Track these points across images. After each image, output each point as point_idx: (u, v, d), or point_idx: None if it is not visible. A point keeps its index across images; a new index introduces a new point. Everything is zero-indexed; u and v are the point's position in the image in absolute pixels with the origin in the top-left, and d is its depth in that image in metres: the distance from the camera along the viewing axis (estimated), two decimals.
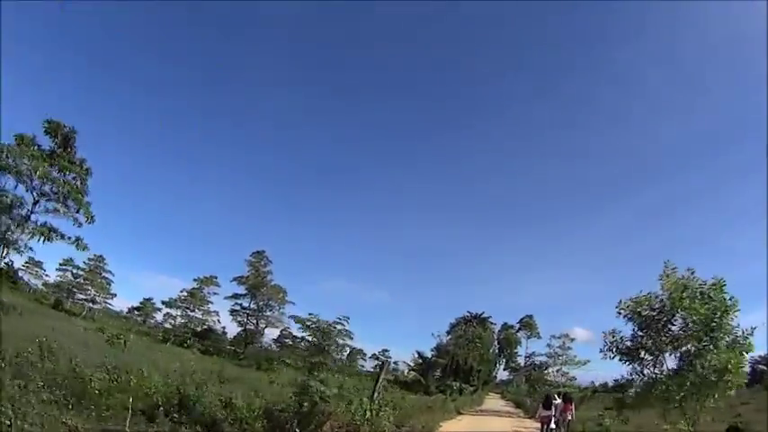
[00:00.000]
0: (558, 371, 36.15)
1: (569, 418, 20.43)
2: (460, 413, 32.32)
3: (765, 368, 71.46)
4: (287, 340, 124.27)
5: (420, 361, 45.62)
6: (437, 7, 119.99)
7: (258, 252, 75.35)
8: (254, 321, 73.06)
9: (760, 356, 76.53)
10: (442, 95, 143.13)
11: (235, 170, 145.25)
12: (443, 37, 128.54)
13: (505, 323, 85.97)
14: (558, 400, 20.22)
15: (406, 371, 52.48)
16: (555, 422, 19.33)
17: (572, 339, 36.13)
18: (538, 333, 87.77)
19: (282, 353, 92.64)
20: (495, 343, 78.59)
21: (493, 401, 54.07)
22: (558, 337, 36.43)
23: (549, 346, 36.59)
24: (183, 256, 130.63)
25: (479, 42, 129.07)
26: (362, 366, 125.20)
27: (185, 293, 74.20)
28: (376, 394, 14.05)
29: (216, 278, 74.53)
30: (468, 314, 58.44)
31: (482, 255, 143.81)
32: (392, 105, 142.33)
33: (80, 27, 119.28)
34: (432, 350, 48.48)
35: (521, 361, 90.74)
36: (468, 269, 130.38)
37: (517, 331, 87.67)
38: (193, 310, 74.17)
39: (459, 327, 56.02)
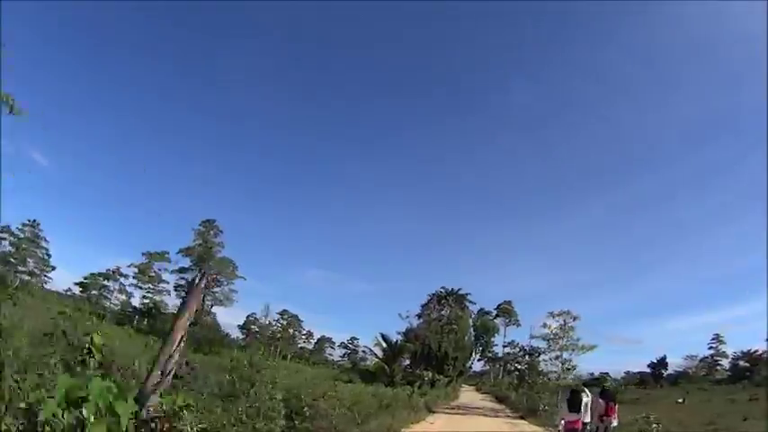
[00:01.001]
0: (556, 358, 28.27)
1: (614, 424, 12.66)
2: (433, 411, 24.38)
3: (747, 364, 67.16)
4: (254, 327, 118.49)
5: (384, 346, 37.59)
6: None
7: (208, 221, 66.28)
8: (201, 298, 64.02)
9: (742, 352, 72.76)
10: (419, 90, 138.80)
11: (213, 162, 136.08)
12: (420, 31, 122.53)
13: (482, 309, 78.42)
14: (588, 398, 12.75)
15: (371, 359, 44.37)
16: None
17: (575, 318, 28.29)
18: (517, 320, 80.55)
19: (247, 340, 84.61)
20: (471, 330, 71.07)
21: (469, 395, 46.49)
22: (558, 315, 28.56)
23: (545, 325, 28.65)
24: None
25: (452, 37, 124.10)
26: (330, 355, 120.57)
27: (134, 267, 65.58)
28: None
29: (167, 254, 65.55)
30: (443, 290, 50.60)
31: (460, 246, 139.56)
32: (370, 99, 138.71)
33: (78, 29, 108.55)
34: (398, 333, 40.47)
35: (498, 350, 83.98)
36: (446, 259, 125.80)
37: (494, 317, 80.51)
38: (142, 287, 66.19)
39: (432, 304, 48.47)
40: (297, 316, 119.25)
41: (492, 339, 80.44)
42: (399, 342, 38.47)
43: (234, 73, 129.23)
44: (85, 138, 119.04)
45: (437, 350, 40.54)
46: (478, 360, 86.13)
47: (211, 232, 66.15)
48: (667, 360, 75.64)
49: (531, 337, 33.25)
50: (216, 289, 64.94)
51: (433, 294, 50.04)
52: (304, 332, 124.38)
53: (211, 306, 65.86)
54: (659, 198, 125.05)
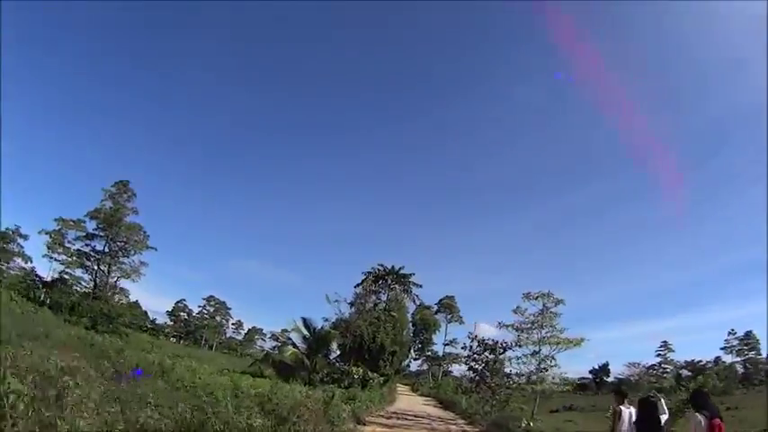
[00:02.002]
0: (533, 354, 21.16)
1: None
2: (363, 423, 16.48)
3: (691, 373, 65.25)
4: (182, 314, 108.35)
5: (305, 333, 29.32)
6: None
7: (121, 182, 55.16)
8: (106, 268, 53.10)
9: (685, 362, 71.14)
10: (365, 92, 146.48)
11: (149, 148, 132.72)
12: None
13: (421, 303, 71.29)
14: (666, 414, 8.28)
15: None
16: None
17: (558, 302, 21.29)
18: (460, 317, 74.24)
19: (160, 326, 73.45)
20: (410, 324, 63.51)
21: (408, 398, 39.01)
22: (536, 297, 21.49)
23: (517, 310, 21.49)
24: None
25: (385, 44, 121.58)
26: (261, 347, 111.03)
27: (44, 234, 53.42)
28: None
29: (83, 222, 53.80)
30: (381, 268, 41.82)
31: (402, 245, 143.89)
32: (317, 96, 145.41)
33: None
34: (325, 320, 32.27)
35: (438, 349, 77.00)
36: (384, 255, 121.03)
37: (435, 313, 73.80)
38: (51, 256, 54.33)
39: (368, 285, 40.40)
40: (224, 303, 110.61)
41: (432, 336, 74.03)
42: (324, 329, 30.38)
43: (178, 56, 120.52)
44: None
45: (371, 342, 32.74)
46: (415, 359, 79.06)
47: (124, 195, 55.23)
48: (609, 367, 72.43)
49: (464, 346, 26.43)
50: (123, 259, 54.14)
51: (369, 273, 41.35)
52: (233, 321, 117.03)
53: (117, 280, 55.02)
54: (591, 211, 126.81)
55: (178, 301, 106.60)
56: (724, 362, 64.83)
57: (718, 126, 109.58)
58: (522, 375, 22.40)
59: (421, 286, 43.31)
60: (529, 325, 21.62)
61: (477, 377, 25.06)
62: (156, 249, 56.62)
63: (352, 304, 38.56)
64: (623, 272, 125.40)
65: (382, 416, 21.01)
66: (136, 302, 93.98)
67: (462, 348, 27.25)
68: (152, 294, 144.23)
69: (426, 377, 74.04)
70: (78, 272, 53.91)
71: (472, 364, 25.57)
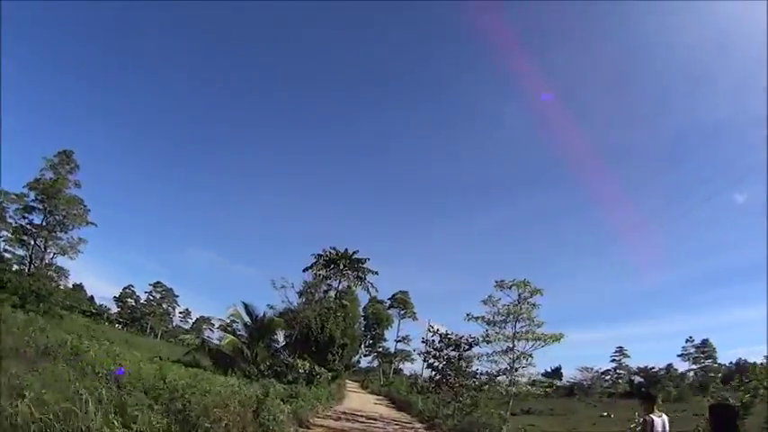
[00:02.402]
0: (505, 351, 18.41)
1: None
2: (307, 427, 13.39)
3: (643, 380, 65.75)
4: (129, 300, 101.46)
5: (247, 320, 25.68)
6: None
7: (64, 152, 49.23)
8: (42, 243, 47.52)
9: (638, 368, 71.55)
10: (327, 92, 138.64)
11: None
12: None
13: (374, 297, 68.10)
14: None
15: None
16: None
17: (534, 293, 18.79)
18: (414, 313, 71.65)
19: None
20: (361, 318, 60.23)
21: (359, 397, 36.27)
22: (510, 286, 18.95)
23: (488, 300, 18.87)
24: None
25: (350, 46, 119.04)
26: (210, 337, 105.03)
27: None
28: None
29: (26, 196, 47.42)
30: (333, 251, 36.86)
31: (359, 239, 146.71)
32: (270, 93, 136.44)
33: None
34: (270, 307, 28.54)
35: (389, 345, 74.15)
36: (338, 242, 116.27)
37: (388, 308, 70.98)
38: None
39: (317, 268, 35.59)
40: (172, 290, 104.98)
41: (384, 332, 71.09)
42: (267, 317, 26.85)
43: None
44: None
45: (319, 332, 29.41)
46: (366, 355, 75.91)
47: (67, 166, 49.44)
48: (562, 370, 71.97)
49: (424, 340, 23.79)
50: (61, 235, 48.57)
51: (320, 256, 37.03)
52: (181, 310, 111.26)
53: (53, 256, 49.41)
54: (550, 215, 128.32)
55: (126, 287, 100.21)
56: (676, 369, 65.97)
57: (679, 140, 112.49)
58: (493, 375, 19.72)
59: (377, 273, 38.68)
60: (502, 317, 18.96)
61: (437, 376, 22.36)
62: (95, 225, 51.21)
63: (300, 293, 35.04)
64: (575, 280, 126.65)
65: (330, 416, 17.94)
66: (80, 285, 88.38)
67: (422, 342, 24.19)
68: (107, 281, 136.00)
69: (377, 374, 71.07)
70: (21, 250, 48.37)
71: (432, 361, 22.81)
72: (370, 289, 38.91)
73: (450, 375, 21.60)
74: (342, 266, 36.50)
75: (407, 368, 74.53)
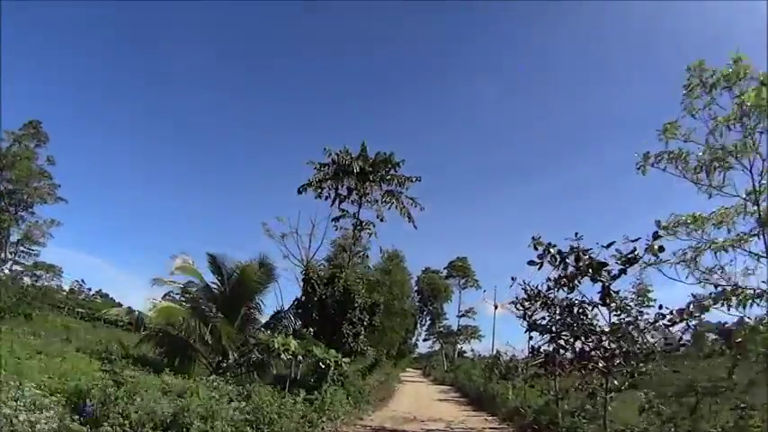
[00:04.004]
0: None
1: None
2: None
3: None
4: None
5: (213, 280, 15.68)
6: None
7: (32, 122, 42.86)
8: (5, 226, 41.54)
9: None
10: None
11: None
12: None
13: (427, 267, 56.63)
14: None
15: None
16: None
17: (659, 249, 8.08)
18: (476, 281, 60.30)
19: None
20: (414, 293, 49.55)
21: (414, 390, 27.08)
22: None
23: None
24: None
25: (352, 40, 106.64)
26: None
27: None
28: None
29: None
30: (346, 153, 22.77)
31: None
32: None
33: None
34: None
35: (452, 323, 63.26)
36: None
37: (446, 278, 59.43)
38: None
39: (319, 178, 22.39)
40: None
41: (441, 307, 58.48)
42: (238, 267, 15.86)
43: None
44: None
45: (340, 297, 18.74)
46: (425, 339, 64.85)
47: (39, 140, 43.18)
48: None
49: (516, 300, 12.00)
50: (23, 214, 42.20)
51: (323, 165, 23.22)
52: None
53: (18, 242, 43.35)
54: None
55: (75, 280, 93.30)
56: None
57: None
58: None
59: (419, 179, 23.84)
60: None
61: (548, 344, 11.62)
62: (66, 201, 44.36)
63: (329, 259, 25.32)
64: None
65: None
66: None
67: (512, 303, 12.97)
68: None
69: (439, 359, 60.39)
70: None
71: (541, 315, 11.86)
72: (411, 211, 23.82)
73: (579, 335, 10.52)
74: (362, 175, 23.00)
75: (474, 349, 63.01)
